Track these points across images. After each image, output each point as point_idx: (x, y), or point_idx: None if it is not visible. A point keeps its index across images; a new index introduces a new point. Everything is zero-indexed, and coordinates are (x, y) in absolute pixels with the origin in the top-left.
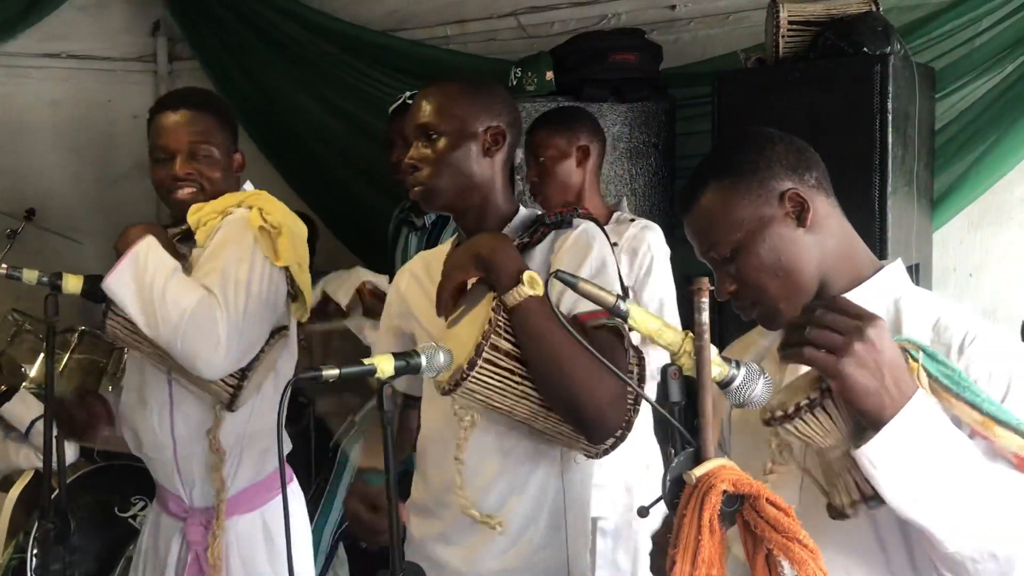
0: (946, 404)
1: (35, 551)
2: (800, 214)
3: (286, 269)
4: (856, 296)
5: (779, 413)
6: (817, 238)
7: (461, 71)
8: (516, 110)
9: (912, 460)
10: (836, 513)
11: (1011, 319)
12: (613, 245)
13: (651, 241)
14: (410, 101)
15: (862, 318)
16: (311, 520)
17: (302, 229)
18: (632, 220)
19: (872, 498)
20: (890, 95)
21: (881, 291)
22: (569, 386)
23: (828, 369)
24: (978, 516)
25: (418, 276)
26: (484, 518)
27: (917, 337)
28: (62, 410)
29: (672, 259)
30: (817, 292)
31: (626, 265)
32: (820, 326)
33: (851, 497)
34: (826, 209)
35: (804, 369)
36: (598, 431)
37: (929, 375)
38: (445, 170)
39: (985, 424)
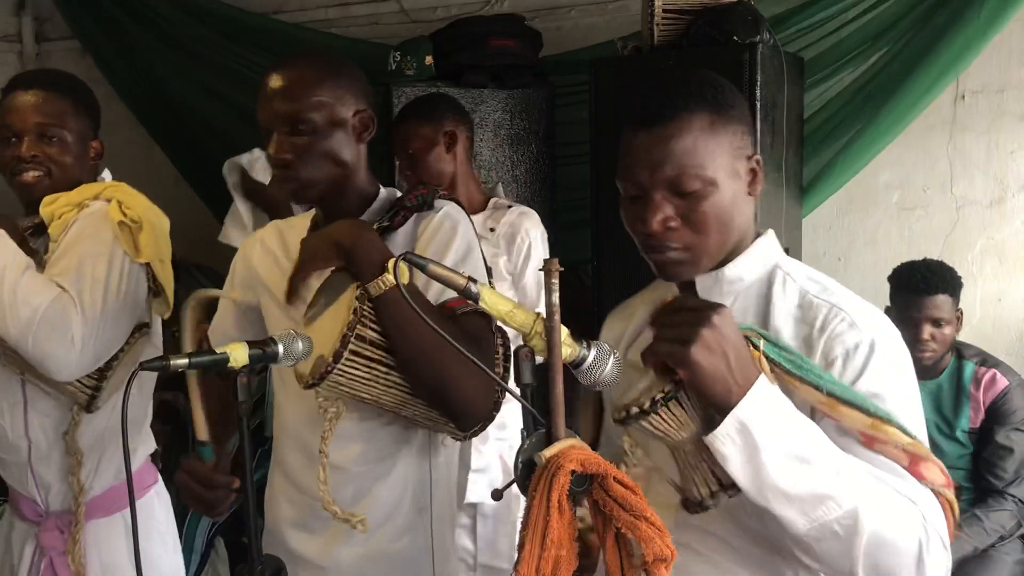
0: (790, 387)
1: None
2: (752, 181)
3: (147, 265)
4: (741, 262)
5: (634, 410)
6: (748, 208)
7: (311, 50)
8: (371, 89)
9: (758, 443)
10: (694, 506)
11: (877, 302)
12: (491, 231)
13: (528, 227)
14: None
15: (708, 307)
16: (185, 519)
17: (164, 222)
18: (510, 207)
19: (731, 486)
20: (759, 83)
21: (761, 258)
22: (437, 376)
23: (676, 357)
24: (820, 496)
25: (270, 248)
26: (346, 515)
27: (782, 316)
28: None
29: (552, 243)
30: None
31: (504, 251)
32: (668, 325)
33: (709, 488)
34: None
35: None
36: (467, 419)
37: (771, 360)
38: (320, 163)
39: (830, 404)
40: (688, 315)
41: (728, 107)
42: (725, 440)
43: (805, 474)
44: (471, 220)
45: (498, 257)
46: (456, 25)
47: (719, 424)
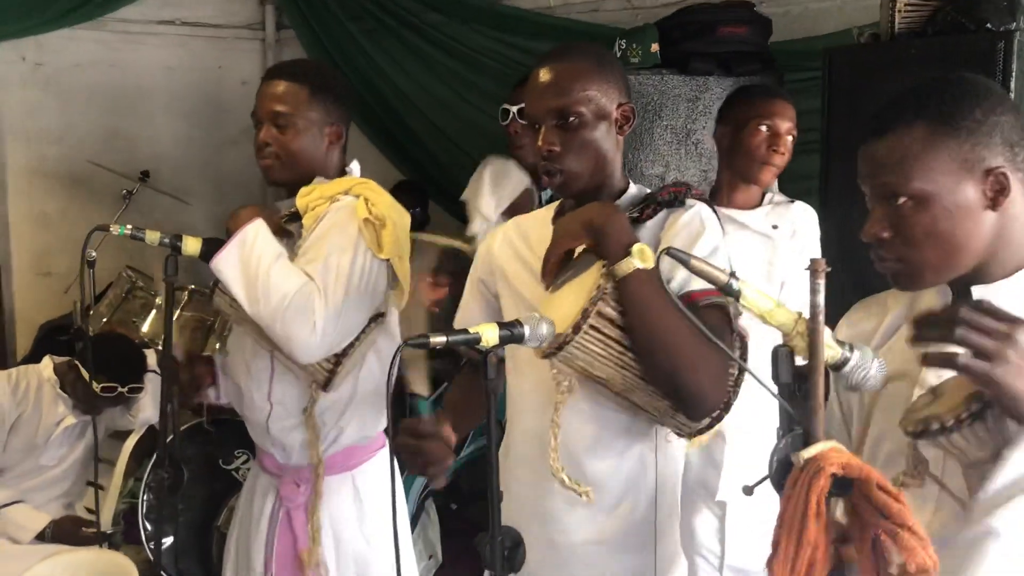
0: None
1: (146, 496)
2: (996, 196)
3: (387, 260)
4: (1019, 279)
5: (935, 426)
6: (1000, 223)
7: (579, 43)
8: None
9: None
10: None
11: None
12: (773, 227)
13: (813, 221)
14: None
15: (1014, 323)
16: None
17: (405, 220)
18: (791, 201)
19: None
20: (1013, 74)
21: None
22: (672, 360)
23: (982, 377)
24: None
25: (511, 239)
26: (572, 484)
27: None
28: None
29: None
30: (975, 271)
31: (786, 246)
32: (969, 327)
33: None
34: (1022, 193)
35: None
36: (698, 408)
37: None
38: (586, 155)
39: None
40: (991, 324)
41: (956, 117)
42: None
43: None
44: (718, 217)
45: (776, 254)
46: (683, 12)
47: None
